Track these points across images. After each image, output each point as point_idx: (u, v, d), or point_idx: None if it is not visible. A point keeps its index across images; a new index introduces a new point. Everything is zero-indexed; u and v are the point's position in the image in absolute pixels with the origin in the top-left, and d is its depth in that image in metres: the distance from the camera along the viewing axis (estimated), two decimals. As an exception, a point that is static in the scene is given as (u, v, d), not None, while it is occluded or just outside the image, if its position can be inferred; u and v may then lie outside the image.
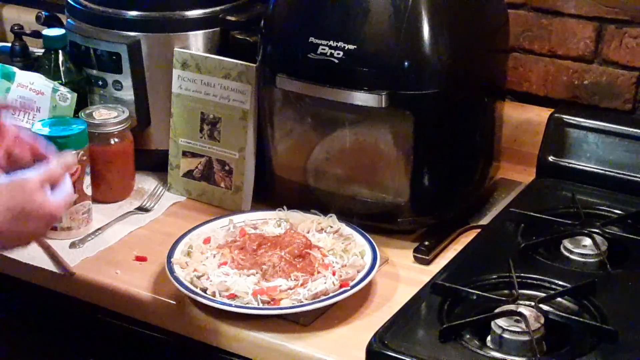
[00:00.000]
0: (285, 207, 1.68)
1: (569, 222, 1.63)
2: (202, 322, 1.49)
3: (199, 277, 1.52)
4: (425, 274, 1.56)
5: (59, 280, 1.61)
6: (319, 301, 1.46)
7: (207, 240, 1.62)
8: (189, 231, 1.64)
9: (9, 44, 2.04)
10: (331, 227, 1.64)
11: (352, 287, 1.49)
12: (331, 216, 1.65)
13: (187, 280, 1.52)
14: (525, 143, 1.90)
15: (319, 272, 1.52)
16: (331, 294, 1.48)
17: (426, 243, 1.64)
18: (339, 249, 1.58)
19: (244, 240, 1.60)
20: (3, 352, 1.79)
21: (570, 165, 1.79)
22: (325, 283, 1.49)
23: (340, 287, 1.49)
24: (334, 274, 1.51)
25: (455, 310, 1.43)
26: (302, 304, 1.46)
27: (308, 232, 1.63)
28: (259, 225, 1.66)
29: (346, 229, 1.63)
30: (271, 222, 1.67)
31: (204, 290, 1.49)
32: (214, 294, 1.48)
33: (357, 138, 1.68)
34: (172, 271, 1.53)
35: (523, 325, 1.35)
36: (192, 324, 1.51)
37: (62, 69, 1.83)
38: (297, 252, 1.54)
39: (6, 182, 1.32)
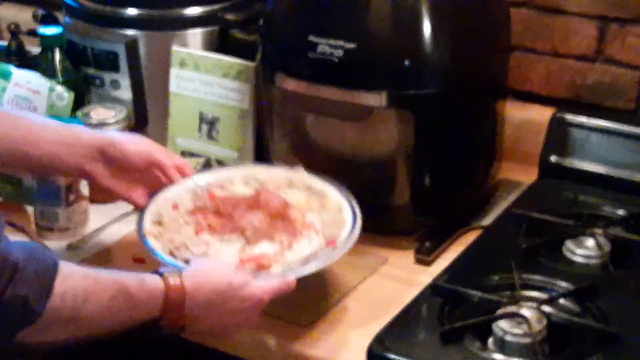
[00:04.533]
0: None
1: (572, 223, 1.62)
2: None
3: (177, 248, 1.44)
4: (426, 275, 1.55)
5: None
6: (311, 264, 1.40)
7: (175, 206, 1.53)
8: (153, 198, 1.54)
9: (5, 43, 2.03)
10: (302, 182, 1.57)
11: (340, 245, 1.43)
12: (300, 170, 1.58)
13: (165, 252, 1.43)
14: (527, 143, 1.89)
15: (301, 233, 1.45)
16: (321, 255, 1.42)
17: (427, 244, 1.63)
18: (316, 206, 1.52)
19: (217, 203, 1.52)
20: (3, 352, 1.78)
21: (573, 165, 1.78)
22: (310, 243, 1.44)
23: (328, 246, 1.44)
24: (317, 233, 1.46)
25: (457, 312, 1.42)
26: (296, 269, 1.39)
27: (279, 190, 1.55)
28: (226, 186, 1.58)
29: (317, 183, 1.56)
30: (237, 180, 1.59)
31: (187, 262, 1.41)
32: None
33: (357, 138, 1.67)
34: (148, 244, 1.45)
35: (525, 327, 1.34)
36: (190, 325, 1.50)
37: (59, 67, 1.83)
38: (275, 213, 1.47)
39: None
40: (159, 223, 1.50)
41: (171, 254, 1.44)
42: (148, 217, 1.51)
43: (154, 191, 1.55)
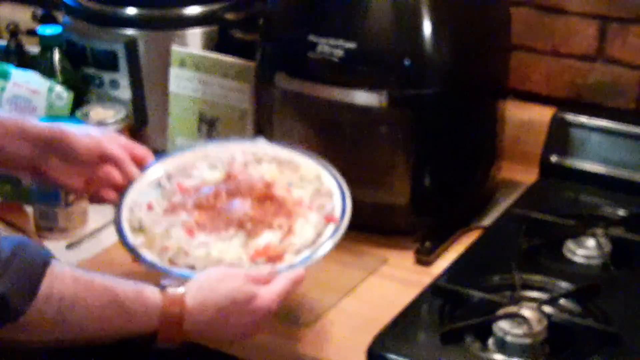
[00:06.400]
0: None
1: (572, 223, 1.61)
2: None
3: (176, 255, 1.35)
4: (426, 275, 1.55)
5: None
6: (322, 247, 1.34)
7: (150, 207, 1.43)
8: (120, 203, 1.43)
9: (5, 43, 2.03)
10: (267, 154, 1.48)
11: (341, 220, 1.37)
12: (259, 140, 1.51)
13: (164, 262, 1.34)
14: (528, 143, 1.88)
15: (295, 212, 1.39)
16: (328, 235, 1.35)
17: (427, 244, 1.62)
18: (293, 178, 1.45)
19: (197, 197, 1.42)
20: (3, 352, 1.77)
21: (574, 165, 1.78)
22: (308, 222, 1.37)
23: (327, 222, 1.38)
24: (309, 208, 1.40)
25: (457, 313, 1.42)
26: (308, 256, 1.33)
27: (248, 167, 1.47)
28: (190, 173, 1.48)
29: (282, 152, 1.49)
30: (200, 165, 1.48)
31: (192, 267, 1.33)
32: None
33: (357, 137, 1.67)
34: (145, 260, 1.34)
35: (525, 327, 1.34)
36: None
37: (58, 67, 1.82)
38: (261, 195, 1.39)
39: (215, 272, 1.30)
40: (141, 230, 1.41)
41: (171, 262, 1.35)
42: (126, 226, 1.41)
43: (117, 186, 1.46)
